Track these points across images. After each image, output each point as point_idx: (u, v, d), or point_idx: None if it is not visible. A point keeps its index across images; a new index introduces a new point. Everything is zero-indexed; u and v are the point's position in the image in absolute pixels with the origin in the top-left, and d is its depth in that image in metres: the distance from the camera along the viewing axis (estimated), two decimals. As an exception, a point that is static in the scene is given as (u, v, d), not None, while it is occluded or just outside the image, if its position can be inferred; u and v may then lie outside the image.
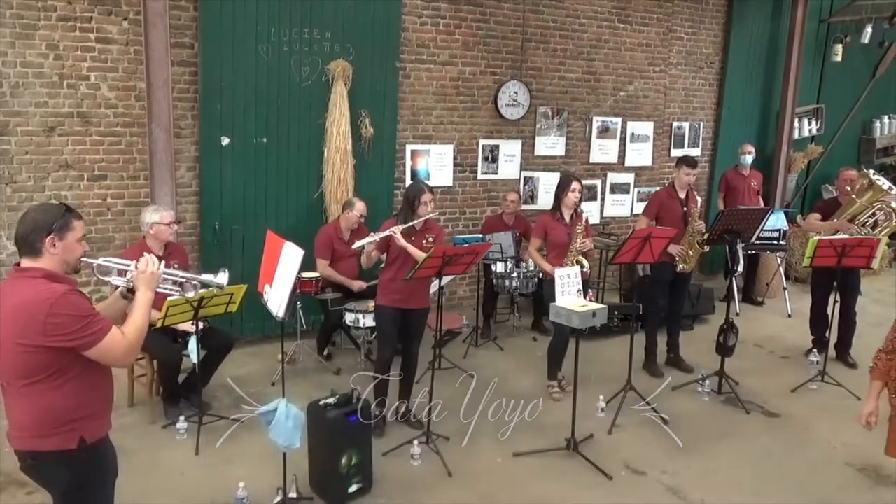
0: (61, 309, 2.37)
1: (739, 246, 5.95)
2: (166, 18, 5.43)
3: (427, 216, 4.61)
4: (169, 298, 4.33)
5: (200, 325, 4.61)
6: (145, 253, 2.76)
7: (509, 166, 7.59)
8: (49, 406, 2.48)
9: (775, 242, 7.66)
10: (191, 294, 3.20)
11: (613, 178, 8.34)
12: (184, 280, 3.02)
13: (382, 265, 4.88)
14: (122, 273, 2.76)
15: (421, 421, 4.80)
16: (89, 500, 2.65)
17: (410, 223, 4.55)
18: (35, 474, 2.63)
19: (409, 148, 6.97)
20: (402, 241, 4.47)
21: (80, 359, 2.46)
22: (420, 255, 4.44)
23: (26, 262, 2.50)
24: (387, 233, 4.51)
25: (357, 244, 4.77)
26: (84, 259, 2.61)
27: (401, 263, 4.60)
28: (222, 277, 3.16)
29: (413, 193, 4.60)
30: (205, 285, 3.08)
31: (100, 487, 2.66)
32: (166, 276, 2.89)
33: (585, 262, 5.27)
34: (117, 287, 2.79)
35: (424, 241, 4.60)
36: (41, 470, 2.60)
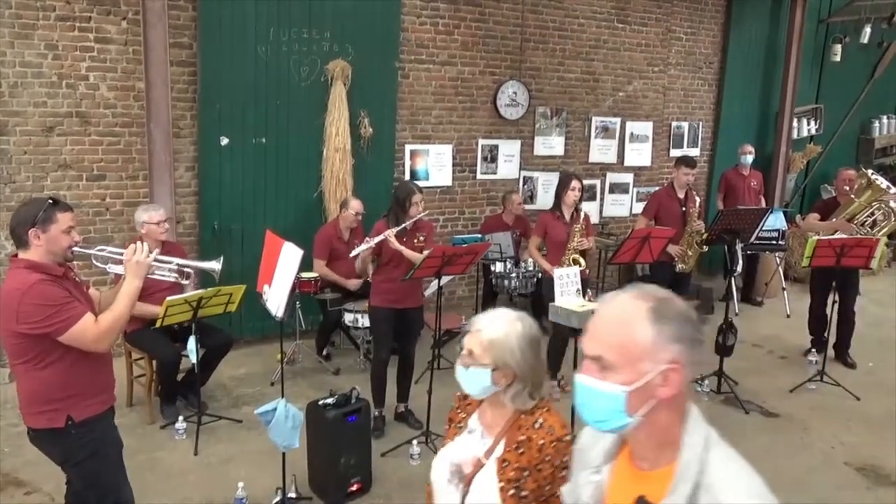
0: (30, 298, 2.56)
1: (738, 246, 5.96)
2: (165, 18, 5.43)
3: (418, 216, 4.61)
4: (168, 298, 4.34)
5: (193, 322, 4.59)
6: (138, 242, 2.86)
7: (508, 166, 7.59)
8: (35, 387, 2.67)
9: (774, 242, 7.66)
10: (187, 282, 3.24)
11: (612, 178, 8.34)
12: (178, 267, 3.11)
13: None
14: (118, 262, 2.91)
15: (420, 421, 4.80)
16: (90, 473, 2.82)
17: (403, 225, 4.55)
18: (37, 446, 2.83)
19: (408, 148, 6.97)
20: (396, 245, 4.47)
21: (60, 344, 2.62)
22: (415, 255, 4.45)
23: (19, 253, 2.69)
24: (381, 237, 4.50)
25: (354, 252, 4.75)
26: (77, 249, 2.76)
27: (395, 265, 4.59)
28: (216, 264, 3.22)
29: (403, 194, 4.59)
30: (206, 279, 3.16)
31: (96, 461, 2.79)
32: (160, 264, 3.03)
33: (582, 261, 5.27)
34: (120, 275, 2.93)
35: (416, 241, 4.61)
36: (39, 443, 2.81)
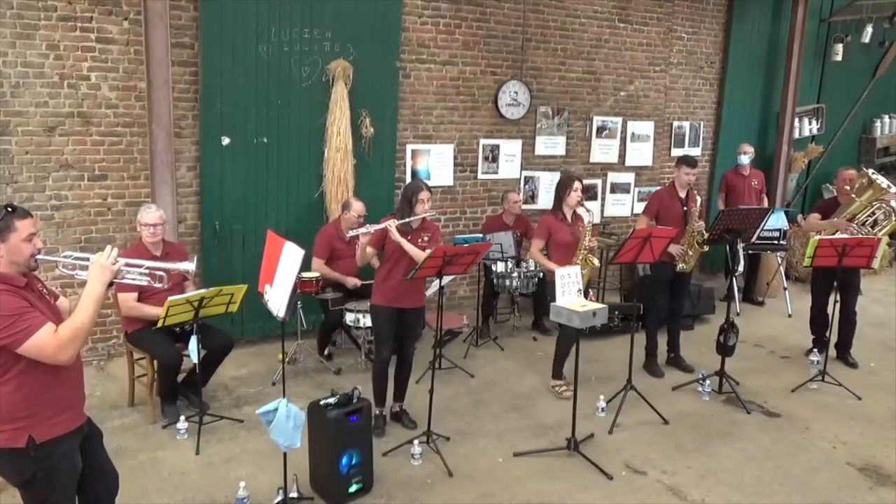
0: None
1: (740, 245, 5.95)
2: (167, 18, 5.44)
3: (424, 215, 4.61)
4: (170, 298, 4.35)
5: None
6: (108, 246, 2.74)
7: (510, 166, 7.59)
8: None
9: (776, 242, 7.67)
10: (161, 285, 3.07)
11: (614, 177, 8.34)
12: (148, 271, 2.97)
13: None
14: (86, 268, 2.73)
15: (414, 421, 4.81)
16: (40, 497, 2.69)
17: (407, 220, 4.55)
18: None
19: (409, 148, 6.97)
20: (396, 236, 4.46)
21: (22, 357, 2.50)
22: (415, 251, 4.45)
23: None
24: (382, 226, 4.51)
25: (353, 232, 4.78)
26: (41, 256, 2.65)
27: (394, 262, 4.59)
28: (189, 265, 3.15)
29: (411, 191, 4.60)
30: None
31: (50, 486, 2.67)
32: (130, 268, 2.88)
33: (596, 262, 5.25)
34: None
35: (420, 240, 4.59)
36: None
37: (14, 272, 2.58)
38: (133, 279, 2.94)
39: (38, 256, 2.64)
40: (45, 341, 2.49)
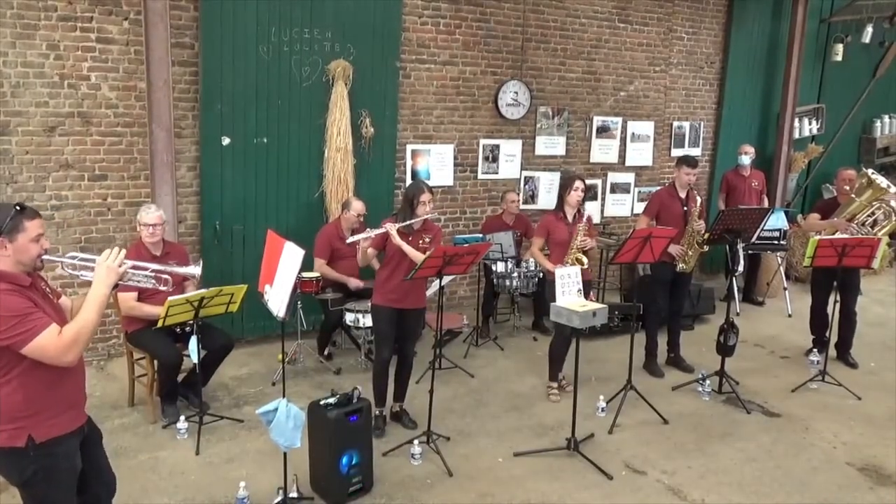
0: None
1: (740, 246, 5.95)
2: (167, 18, 5.44)
3: (426, 216, 4.61)
4: (170, 298, 4.35)
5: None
6: (115, 248, 2.73)
7: (510, 166, 7.59)
8: None
9: (776, 242, 7.67)
10: (165, 288, 3.09)
11: (614, 177, 8.35)
12: (154, 273, 2.97)
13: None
14: (91, 269, 2.72)
15: (415, 421, 4.81)
16: (40, 497, 2.69)
17: (408, 222, 4.55)
18: None
19: (409, 148, 6.98)
20: (397, 239, 4.46)
21: (24, 357, 2.50)
22: (415, 254, 4.45)
23: None
24: (383, 229, 4.51)
25: (352, 239, 4.78)
26: (47, 257, 2.64)
27: (396, 263, 4.59)
28: (195, 269, 3.15)
29: (412, 193, 4.60)
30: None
31: (50, 486, 2.67)
32: (136, 271, 2.88)
33: (585, 260, 5.26)
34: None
35: (421, 242, 4.59)
36: None
37: (19, 271, 2.57)
38: (138, 281, 2.95)
39: (44, 257, 2.64)
40: (49, 343, 2.48)
